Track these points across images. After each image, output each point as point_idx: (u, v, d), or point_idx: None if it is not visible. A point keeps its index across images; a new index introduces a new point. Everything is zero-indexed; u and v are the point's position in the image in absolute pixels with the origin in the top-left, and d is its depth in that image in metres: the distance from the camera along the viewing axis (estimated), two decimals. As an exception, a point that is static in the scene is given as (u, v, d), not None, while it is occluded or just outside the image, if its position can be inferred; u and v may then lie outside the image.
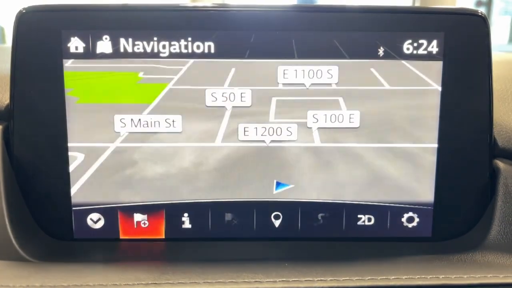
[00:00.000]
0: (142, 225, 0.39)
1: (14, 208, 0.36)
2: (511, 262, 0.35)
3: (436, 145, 0.38)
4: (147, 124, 0.38)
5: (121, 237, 0.39)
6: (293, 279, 0.32)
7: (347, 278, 0.32)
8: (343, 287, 0.31)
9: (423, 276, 0.33)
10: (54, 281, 0.30)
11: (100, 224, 0.39)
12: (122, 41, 0.37)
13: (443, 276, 0.33)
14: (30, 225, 0.38)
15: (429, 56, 0.37)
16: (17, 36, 0.36)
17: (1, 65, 0.42)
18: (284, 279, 0.32)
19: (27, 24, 0.36)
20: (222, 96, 0.37)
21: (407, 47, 0.37)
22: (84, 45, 0.37)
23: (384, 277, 0.32)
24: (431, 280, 0.32)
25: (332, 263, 0.36)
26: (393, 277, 0.32)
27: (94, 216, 0.39)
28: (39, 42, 0.36)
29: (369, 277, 0.32)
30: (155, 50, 0.37)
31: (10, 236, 0.35)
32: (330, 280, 0.32)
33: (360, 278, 0.32)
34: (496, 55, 0.40)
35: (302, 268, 0.34)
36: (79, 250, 0.38)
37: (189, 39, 0.37)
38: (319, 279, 0.32)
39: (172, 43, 0.37)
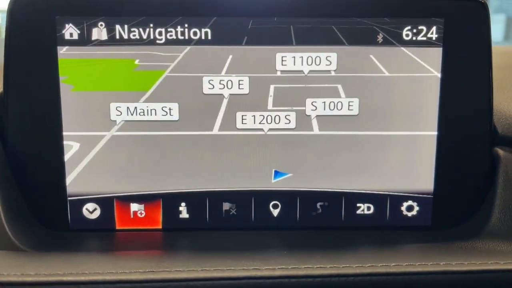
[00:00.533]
0: (139, 215, 0.39)
1: (8, 198, 0.36)
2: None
3: (435, 133, 0.38)
4: (144, 112, 0.37)
5: (118, 227, 0.39)
6: (292, 267, 0.31)
7: (347, 265, 0.32)
8: (342, 274, 0.31)
9: (423, 263, 0.32)
10: (49, 269, 0.30)
11: (96, 214, 0.38)
12: (118, 27, 0.36)
13: (444, 263, 0.32)
14: (25, 215, 0.37)
15: (429, 43, 0.37)
16: (11, 23, 0.36)
17: None
18: (283, 267, 0.31)
19: (21, 10, 0.35)
20: (220, 83, 0.37)
21: (407, 33, 0.37)
22: (78, 32, 0.36)
23: (384, 264, 0.32)
24: (431, 267, 0.32)
25: (331, 252, 0.35)
26: (393, 264, 0.32)
27: (90, 206, 0.38)
28: (33, 29, 0.36)
29: (369, 264, 0.32)
30: (151, 37, 0.36)
31: (4, 226, 0.34)
32: (330, 267, 0.31)
33: (360, 265, 0.32)
34: (494, 47, 0.40)
35: (301, 256, 0.33)
36: (75, 241, 0.38)
37: (186, 25, 0.36)
38: (318, 266, 0.32)
39: (169, 29, 0.36)
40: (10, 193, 0.36)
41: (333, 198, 0.39)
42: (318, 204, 0.39)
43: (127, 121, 0.37)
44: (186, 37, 0.36)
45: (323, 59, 0.37)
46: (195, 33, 0.36)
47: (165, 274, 0.30)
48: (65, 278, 0.29)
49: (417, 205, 0.39)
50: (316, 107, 0.37)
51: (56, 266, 0.31)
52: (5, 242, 0.34)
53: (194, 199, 0.38)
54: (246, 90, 0.37)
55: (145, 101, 0.37)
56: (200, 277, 0.30)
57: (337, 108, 0.37)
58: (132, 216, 0.39)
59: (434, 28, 0.37)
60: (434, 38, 0.37)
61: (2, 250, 0.33)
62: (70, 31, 0.36)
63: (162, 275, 0.30)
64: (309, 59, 0.37)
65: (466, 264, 0.32)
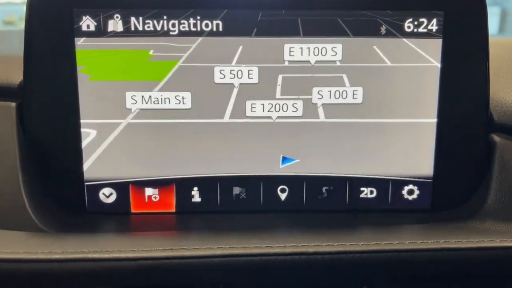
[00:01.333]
0: (153, 199, 0.40)
1: (30, 183, 0.37)
2: (507, 228, 0.37)
3: (435, 120, 0.40)
4: (158, 100, 0.39)
5: (133, 211, 0.41)
6: (302, 244, 0.33)
7: (353, 243, 0.34)
8: (349, 251, 0.33)
9: (424, 241, 0.34)
10: (74, 248, 0.32)
11: (112, 198, 0.40)
12: (133, 19, 0.38)
13: (443, 241, 0.34)
14: (45, 199, 0.39)
15: (429, 34, 0.39)
16: (30, 15, 0.37)
17: (12, 48, 0.43)
18: (294, 244, 0.33)
19: (40, 3, 0.37)
20: (230, 73, 0.39)
21: (408, 25, 0.39)
22: (95, 23, 0.37)
23: (388, 242, 0.34)
24: (432, 245, 0.34)
25: (337, 232, 0.37)
26: (397, 242, 0.34)
27: (106, 190, 0.40)
28: (51, 21, 0.37)
29: (374, 242, 0.34)
30: (165, 28, 0.38)
31: (28, 209, 0.36)
32: (337, 245, 0.33)
33: (366, 243, 0.34)
34: (490, 39, 0.42)
35: (309, 236, 0.35)
36: (92, 223, 0.39)
37: (198, 17, 0.38)
38: (327, 244, 0.34)
39: (182, 21, 0.38)
40: (31, 178, 0.38)
41: (337, 183, 0.41)
42: (324, 188, 0.41)
43: (142, 109, 0.39)
44: (198, 29, 0.38)
45: (329, 50, 0.39)
46: (206, 25, 0.38)
47: (184, 252, 0.32)
48: (90, 255, 0.31)
49: (417, 189, 0.41)
50: (322, 96, 0.39)
51: (80, 246, 0.33)
52: (28, 224, 0.36)
53: (206, 183, 0.40)
54: (255, 80, 0.39)
55: (159, 90, 0.39)
56: (216, 254, 0.32)
57: (342, 97, 0.39)
58: (146, 200, 0.40)
59: (434, 21, 0.38)
60: (434, 30, 0.39)
61: (26, 231, 0.35)
62: (87, 23, 0.37)
63: (181, 252, 0.32)
64: (316, 50, 0.39)
65: (464, 242, 0.34)
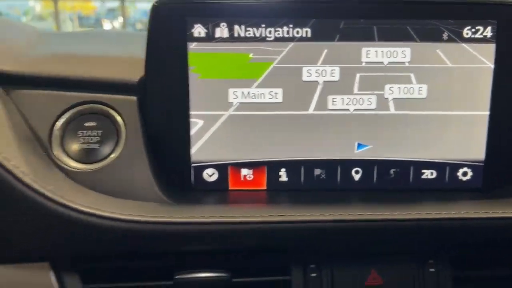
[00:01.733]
0: (248, 178, 0.48)
1: (153, 165, 0.45)
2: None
3: (487, 113, 0.47)
4: (255, 95, 0.46)
5: (230, 188, 0.48)
6: (369, 213, 0.41)
7: (418, 212, 0.42)
8: (415, 219, 0.41)
9: (476, 212, 0.42)
10: (189, 214, 0.40)
11: (214, 177, 0.48)
12: (236, 27, 0.45)
13: (493, 211, 0.42)
14: (162, 177, 0.46)
15: (484, 40, 0.46)
16: (151, 23, 0.44)
17: (130, 49, 0.50)
18: (361, 213, 0.41)
19: (160, 12, 0.44)
20: (316, 72, 0.46)
21: (466, 32, 0.46)
22: (205, 30, 0.45)
23: (447, 212, 0.42)
24: (483, 214, 0.42)
25: (403, 206, 0.45)
26: (454, 212, 0.42)
27: (209, 171, 0.48)
28: (169, 28, 0.45)
29: (435, 212, 0.42)
30: (263, 35, 0.45)
31: (155, 186, 0.44)
32: (405, 214, 0.42)
33: (428, 212, 0.42)
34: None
35: (380, 208, 0.43)
36: (198, 198, 0.47)
37: (291, 26, 0.45)
38: (398, 213, 0.41)
39: (277, 29, 0.45)
40: (153, 161, 0.45)
41: (403, 166, 0.48)
42: (392, 170, 0.48)
43: (241, 103, 0.46)
44: (291, 35, 0.45)
45: (399, 53, 0.46)
46: (297, 32, 0.45)
47: (272, 218, 0.41)
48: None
49: (471, 171, 0.48)
50: (392, 92, 0.46)
51: (191, 213, 0.41)
52: (158, 199, 0.43)
53: (292, 165, 0.48)
54: (336, 78, 0.46)
55: (256, 87, 0.46)
56: (299, 220, 0.40)
57: (409, 93, 0.46)
58: (242, 179, 0.48)
59: (489, 28, 0.45)
60: (488, 36, 0.46)
61: (154, 202, 0.43)
62: (199, 30, 0.45)
63: (270, 218, 0.40)
64: (388, 53, 0.46)
65: (509, 212, 0.42)
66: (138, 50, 0.47)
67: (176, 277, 0.42)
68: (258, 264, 0.45)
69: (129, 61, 0.48)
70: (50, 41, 0.55)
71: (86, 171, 0.43)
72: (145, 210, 0.40)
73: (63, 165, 0.43)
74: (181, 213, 0.41)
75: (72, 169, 0.43)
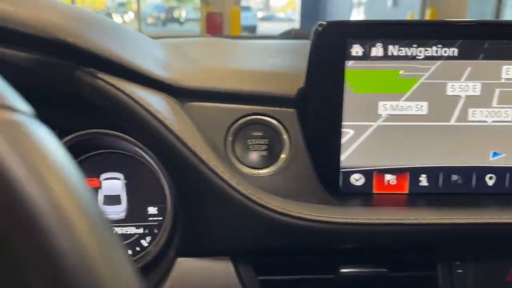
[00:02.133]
0: (391, 183, 0.53)
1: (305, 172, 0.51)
2: None
3: None
4: (402, 108, 0.51)
5: (374, 191, 0.53)
6: (506, 217, 0.47)
7: None
8: None
9: None
10: (342, 215, 0.46)
11: (361, 182, 0.53)
12: (391, 47, 0.50)
13: None
14: (317, 181, 0.52)
15: None
16: (314, 43, 0.49)
17: (291, 62, 0.55)
18: (497, 217, 0.47)
19: (323, 33, 0.49)
20: (459, 87, 0.50)
21: None
22: (362, 50, 0.50)
23: None
24: None
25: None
26: None
27: (356, 176, 0.53)
28: (330, 47, 0.49)
29: None
30: (414, 54, 0.50)
31: (319, 190, 0.49)
32: None
33: None
34: None
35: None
36: (345, 200, 0.52)
37: (440, 45, 0.50)
38: None
39: (427, 48, 0.50)
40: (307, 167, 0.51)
41: (534, 172, 0.52)
42: (522, 177, 0.53)
43: (390, 114, 0.51)
44: (439, 54, 0.50)
45: (537, 70, 0.50)
46: (445, 51, 0.50)
47: (412, 220, 0.45)
48: (352, 220, 0.44)
49: None
50: (529, 106, 0.51)
51: (344, 213, 0.47)
52: (321, 200, 0.49)
53: (432, 171, 0.52)
54: (478, 92, 0.51)
55: (404, 100, 0.51)
56: (438, 223, 0.46)
57: (545, 106, 0.51)
58: (386, 184, 0.53)
59: None
60: None
61: (317, 204, 0.49)
62: (356, 49, 0.50)
63: (410, 221, 0.45)
64: (527, 70, 0.50)
65: None
66: (284, 62, 0.52)
67: (341, 270, 0.48)
68: (406, 260, 0.50)
69: (283, 76, 0.53)
70: (179, 51, 0.60)
71: (261, 175, 0.49)
72: (321, 211, 0.46)
73: (240, 170, 0.49)
74: (347, 214, 0.46)
75: (249, 174, 0.49)
